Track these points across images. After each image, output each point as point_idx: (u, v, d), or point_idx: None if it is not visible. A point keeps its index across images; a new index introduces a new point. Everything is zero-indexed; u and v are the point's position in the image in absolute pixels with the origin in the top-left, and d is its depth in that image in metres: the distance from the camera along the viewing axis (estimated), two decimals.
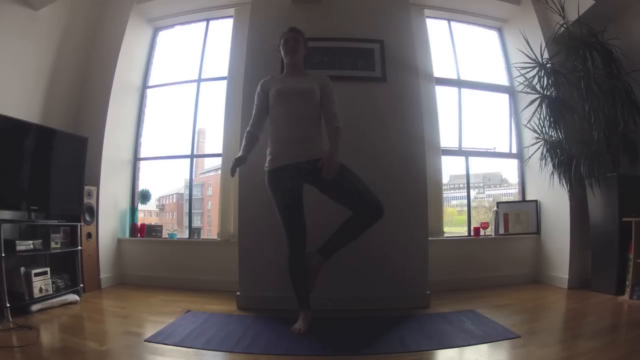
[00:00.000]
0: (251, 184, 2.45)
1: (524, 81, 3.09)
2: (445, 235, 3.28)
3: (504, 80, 3.69)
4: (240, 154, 2.10)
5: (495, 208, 3.46)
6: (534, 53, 3.03)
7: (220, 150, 3.22)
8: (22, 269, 2.33)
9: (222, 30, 3.59)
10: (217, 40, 3.60)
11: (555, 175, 2.96)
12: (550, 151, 3.00)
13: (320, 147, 2.05)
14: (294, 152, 2.00)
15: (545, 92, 3.03)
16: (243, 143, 2.14)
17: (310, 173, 1.99)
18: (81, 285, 2.69)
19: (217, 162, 3.36)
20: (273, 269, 2.40)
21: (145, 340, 1.79)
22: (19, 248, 2.32)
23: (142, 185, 3.56)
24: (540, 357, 1.58)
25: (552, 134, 3.02)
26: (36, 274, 2.35)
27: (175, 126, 3.73)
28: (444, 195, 3.29)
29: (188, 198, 3.48)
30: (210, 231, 3.90)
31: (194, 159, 3.55)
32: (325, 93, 2.10)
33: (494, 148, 3.73)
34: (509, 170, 3.77)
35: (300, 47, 2.17)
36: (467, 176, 3.50)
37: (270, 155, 2.05)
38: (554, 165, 2.97)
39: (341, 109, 2.19)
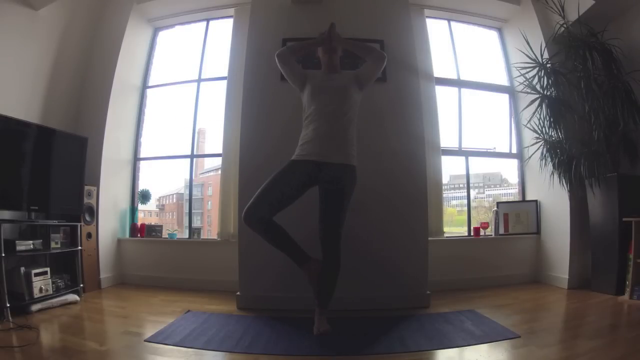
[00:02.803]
0: (251, 180, 2.45)
1: (524, 81, 3.09)
2: (445, 235, 3.28)
3: (504, 80, 3.69)
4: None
5: (495, 208, 3.46)
6: (534, 53, 3.03)
7: (220, 150, 3.22)
8: (22, 269, 2.33)
9: (222, 30, 3.59)
10: (217, 40, 3.60)
11: (555, 175, 2.96)
12: (550, 151, 3.00)
13: (347, 152, 2.02)
14: (321, 150, 1.98)
15: (545, 92, 3.03)
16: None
17: (325, 176, 1.97)
18: (81, 285, 2.69)
19: (217, 162, 3.36)
20: (273, 269, 2.40)
21: (145, 340, 1.79)
22: (19, 248, 2.32)
23: (142, 185, 3.56)
24: (540, 357, 1.57)
25: (552, 134, 3.02)
26: (36, 274, 2.35)
27: (175, 126, 3.73)
28: (444, 195, 3.29)
29: (188, 198, 3.48)
30: (210, 231, 3.90)
31: (194, 159, 3.55)
32: (361, 70, 2.18)
33: (494, 148, 3.73)
34: (509, 170, 3.77)
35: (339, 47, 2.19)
36: (467, 176, 3.50)
37: (299, 149, 2.05)
38: (554, 165, 2.97)
39: None
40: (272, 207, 1.97)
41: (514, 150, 3.60)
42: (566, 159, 2.91)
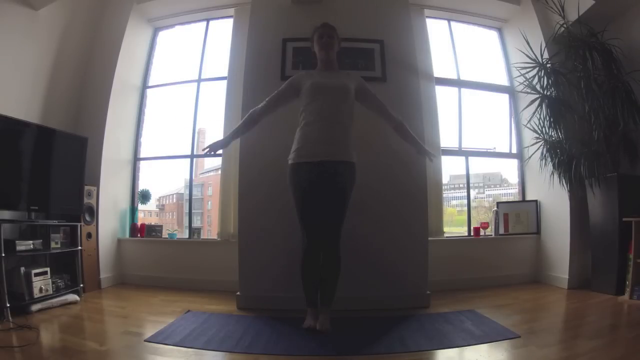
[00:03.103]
0: (251, 179, 2.44)
1: (524, 81, 3.09)
2: (445, 235, 3.28)
3: (504, 80, 3.69)
4: (223, 138, 2.13)
5: (495, 208, 3.46)
6: (534, 53, 3.03)
7: (220, 150, 3.21)
8: (22, 269, 2.33)
9: (222, 30, 3.60)
10: (217, 40, 3.60)
11: (555, 175, 2.96)
12: (550, 151, 3.00)
13: (346, 150, 2.01)
14: (320, 150, 1.96)
15: (545, 92, 3.03)
16: (239, 124, 2.16)
17: (328, 174, 1.96)
18: (81, 285, 2.69)
19: (217, 162, 3.36)
20: (273, 269, 2.40)
21: (145, 340, 1.79)
22: (19, 248, 2.32)
23: (142, 185, 3.56)
24: (540, 357, 1.57)
25: (552, 134, 3.02)
26: (36, 274, 2.35)
27: (175, 126, 3.73)
28: (444, 195, 3.30)
29: (188, 198, 3.48)
30: (210, 231, 3.90)
31: (194, 159, 3.55)
32: (368, 94, 2.17)
33: (494, 148, 3.73)
34: (509, 170, 3.78)
35: (335, 42, 2.16)
36: (467, 176, 3.50)
37: (296, 149, 2.02)
38: (554, 165, 2.97)
39: None
40: (318, 230, 1.97)
41: (514, 150, 3.60)
42: (566, 159, 2.91)
